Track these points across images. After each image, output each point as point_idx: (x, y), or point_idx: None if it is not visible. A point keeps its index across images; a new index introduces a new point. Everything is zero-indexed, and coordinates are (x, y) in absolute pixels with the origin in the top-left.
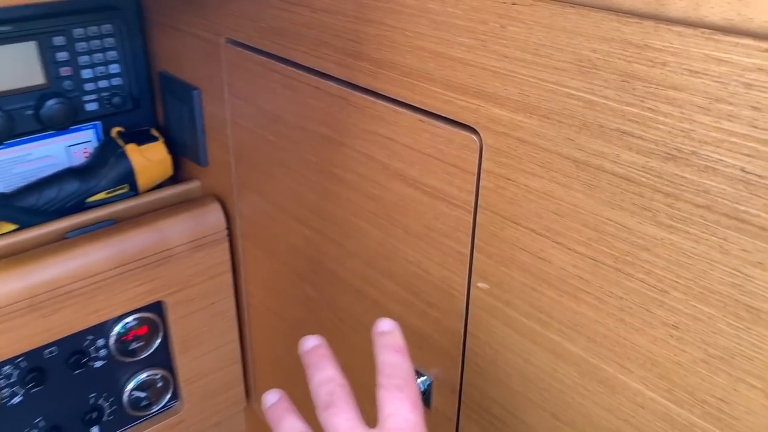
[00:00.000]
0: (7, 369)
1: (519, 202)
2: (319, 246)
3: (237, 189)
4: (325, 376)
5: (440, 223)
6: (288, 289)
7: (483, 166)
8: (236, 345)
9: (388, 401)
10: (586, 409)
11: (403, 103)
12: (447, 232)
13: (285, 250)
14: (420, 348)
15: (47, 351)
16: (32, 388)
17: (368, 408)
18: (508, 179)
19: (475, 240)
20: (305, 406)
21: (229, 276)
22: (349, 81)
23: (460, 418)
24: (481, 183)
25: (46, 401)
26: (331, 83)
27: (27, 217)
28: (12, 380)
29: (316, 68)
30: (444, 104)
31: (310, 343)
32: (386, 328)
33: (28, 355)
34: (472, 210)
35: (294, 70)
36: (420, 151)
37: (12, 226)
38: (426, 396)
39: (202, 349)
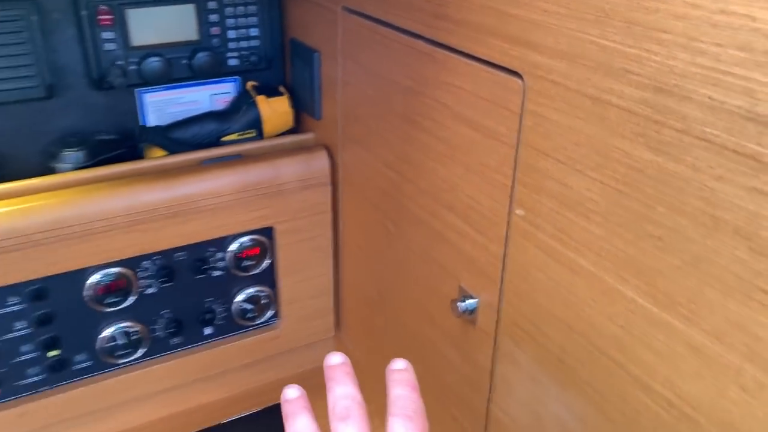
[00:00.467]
0: (146, 263)
1: (550, 136)
2: (400, 186)
3: (342, 140)
4: (347, 391)
5: (491, 159)
6: (374, 226)
7: (525, 106)
8: (330, 278)
9: (398, 428)
10: (592, 319)
11: (472, 56)
12: (496, 167)
13: (374, 192)
14: (470, 273)
15: (177, 254)
16: (163, 283)
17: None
18: (543, 117)
19: (516, 172)
20: (380, 341)
21: (329, 216)
22: (434, 39)
23: (498, 333)
24: (523, 122)
25: (173, 297)
26: (420, 42)
27: (175, 146)
28: (149, 273)
29: (409, 29)
30: (501, 55)
31: (335, 359)
32: (401, 366)
33: (163, 254)
34: (515, 146)
35: (392, 31)
36: (481, 97)
37: (162, 152)
38: (473, 316)
39: (301, 276)
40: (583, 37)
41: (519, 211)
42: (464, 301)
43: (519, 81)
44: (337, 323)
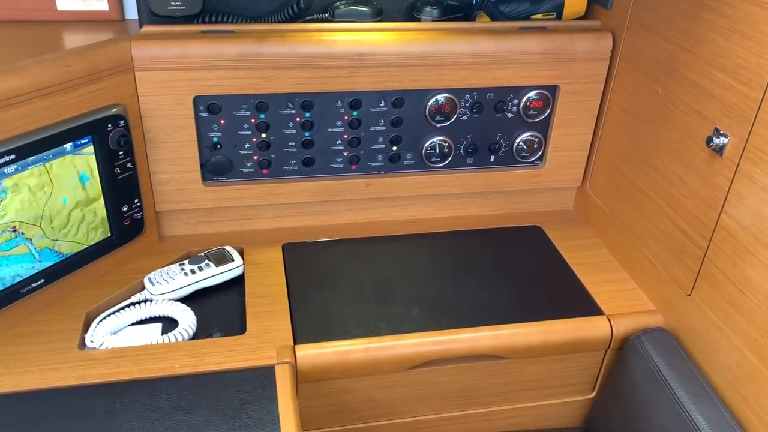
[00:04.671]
0: (467, 96)
1: None
2: (677, 56)
3: (629, 24)
4: None
5: (766, 26)
6: (643, 91)
7: None
8: (589, 137)
9: None
10: None
11: None
12: None
13: (650, 64)
14: (728, 117)
15: (488, 94)
16: (474, 114)
17: None
18: None
19: None
20: (626, 187)
21: (601, 85)
22: None
23: (741, 160)
24: None
25: (476, 126)
26: None
27: (497, 16)
28: (467, 104)
29: None
30: None
31: None
32: None
33: (479, 91)
34: None
35: None
36: None
37: (488, 19)
38: (722, 150)
39: (569, 130)
40: None
41: None
42: (718, 138)
43: None
44: (585, 177)
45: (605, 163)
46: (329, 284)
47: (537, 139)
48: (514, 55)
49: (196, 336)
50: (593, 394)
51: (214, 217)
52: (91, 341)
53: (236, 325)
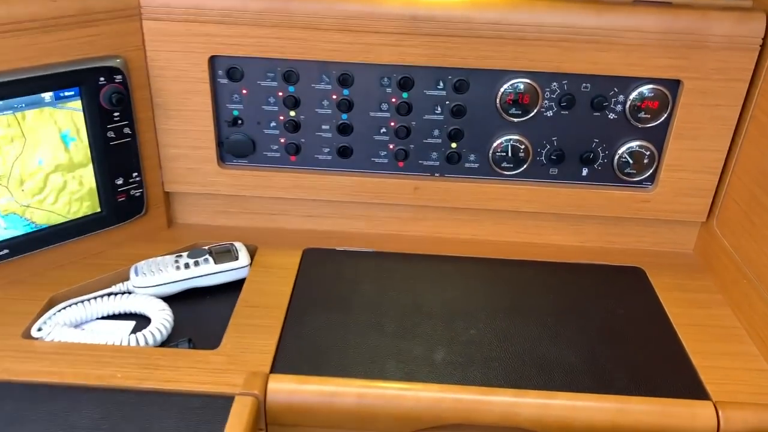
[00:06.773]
0: (554, 85)
1: None
2: None
3: None
4: None
5: None
6: None
7: None
8: (722, 156)
9: None
10: None
11: None
12: None
13: None
14: None
15: (584, 84)
16: (562, 109)
17: None
18: None
19: None
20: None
21: (745, 85)
22: None
23: None
24: None
25: (565, 126)
26: None
27: None
28: (553, 96)
29: None
30: None
31: None
32: None
33: (571, 79)
34: None
35: None
36: None
37: None
38: None
39: (693, 144)
40: None
41: None
42: None
43: None
44: (712, 211)
45: (742, 193)
46: (343, 304)
47: (648, 152)
48: (622, 32)
49: (167, 342)
50: None
51: (234, 208)
52: (39, 329)
53: (216, 337)
